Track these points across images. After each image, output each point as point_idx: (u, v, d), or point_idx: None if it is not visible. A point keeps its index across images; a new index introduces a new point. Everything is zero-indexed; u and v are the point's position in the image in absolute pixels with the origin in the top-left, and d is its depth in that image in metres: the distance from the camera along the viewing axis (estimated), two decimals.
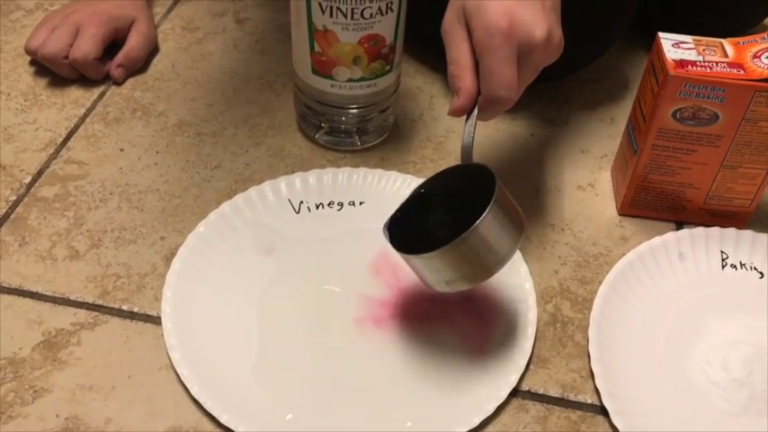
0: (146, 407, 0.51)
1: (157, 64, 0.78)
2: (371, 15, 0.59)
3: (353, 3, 0.57)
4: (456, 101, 0.51)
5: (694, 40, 0.58)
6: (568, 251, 0.62)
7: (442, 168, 0.53)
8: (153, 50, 0.78)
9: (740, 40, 0.58)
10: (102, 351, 0.54)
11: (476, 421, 0.50)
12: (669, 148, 0.59)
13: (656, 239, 0.61)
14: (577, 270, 0.61)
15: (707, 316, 0.57)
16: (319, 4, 0.58)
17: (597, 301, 0.56)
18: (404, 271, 0.57)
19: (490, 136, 0.72)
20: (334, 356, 0.54)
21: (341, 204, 0.63)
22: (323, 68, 0.62)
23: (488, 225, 0.47)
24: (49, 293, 0.57)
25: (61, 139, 0.69)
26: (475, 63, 0.50)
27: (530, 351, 0.54)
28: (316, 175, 0.65)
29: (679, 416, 0.52)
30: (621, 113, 0.75)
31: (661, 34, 0.58)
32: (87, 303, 0.56)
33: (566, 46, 0.52)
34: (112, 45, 0.75)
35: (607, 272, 0.59)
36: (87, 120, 0.71)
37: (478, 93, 0.51)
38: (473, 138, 0.51)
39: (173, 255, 0.58)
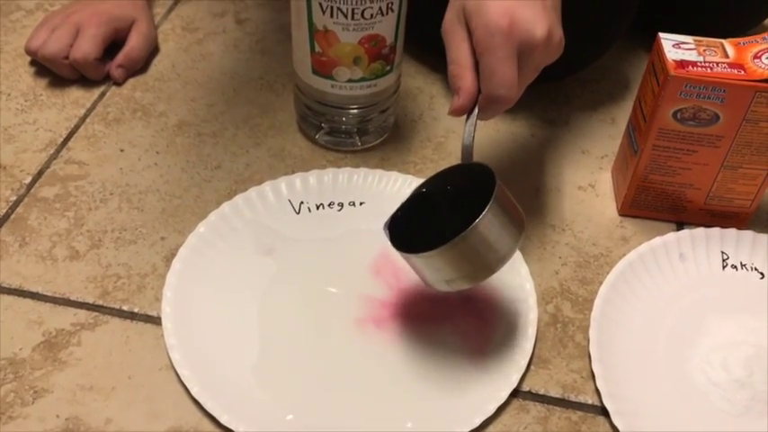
0: (146, 407, 0.51)
1: (158, 64, 0.77)
2: (372, 16, 0.59)
3: (354, 3, 0.57)
4: (456, 100, 0.51)
5: (695, 40, 0.58)
6: (569, 251, 0.62)
7: (442, 168, 0.53)
8: (153, 51, 0.78)
9: (741, 40, 0.58)
10: (102, 351, 0.54)
11: (476, 422, 0.50)
12: (670, 148, 0.59)
13: (657, 240, 0.61)
14: (578, 270, 0.61)
15: (707, 316, 0.57)
16: (320, 4, 0.58)
17: (598, 302, 0.56)
18: (404, 271, 0.57)
19: (490, 136, 0.72)
20: (335, 357, 0.54)
21: (341, 205, 0.63)
22: (323, 69, 0.62)
23: (488, 223, 0.47)
24: (49, 294, 0.57)
25: (61, 140, 0.69)
26: (475, 63, 0.50)
27: (530, 351, 0.54)
28: (316, 175, 0.65)
29: (679, 416, 0.51)
30: (622, 114, 0.75)
31: (661, 35, 0.58)
32: (87, 304, 0.56)
33: (566, 46, 0.52)
34: (113, 45, 0.75)
35: (607, 272, 0.59)
36: (87, 120, 0.71)
37: (479, 92, 0.51)
38: (473, 137, 0.51)
39: (173, 255, 0.58)
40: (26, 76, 0.75)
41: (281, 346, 0.54)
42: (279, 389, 0.52)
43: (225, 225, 0.61)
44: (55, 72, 0.74)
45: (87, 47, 0.72)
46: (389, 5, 0.59)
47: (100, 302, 0.56)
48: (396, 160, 0.68)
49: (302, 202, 0.63)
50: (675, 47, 0.57)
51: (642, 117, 0.60)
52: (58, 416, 0.50)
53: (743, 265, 0.61)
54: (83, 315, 0.56)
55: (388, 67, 0.63)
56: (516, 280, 0.58)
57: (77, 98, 0.73)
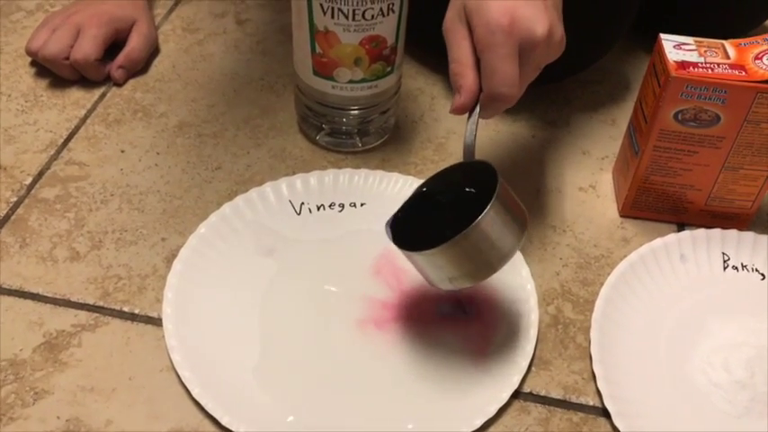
0: (147, 408, 0.51)
1: (158, 65, 0.77)
2: (373, 17, 0.58)
3: (355, 4, 0.57)
4: (458, 99, 0.51)
5: (696, 41, 0.58)
6: (570, 253, 0.62)
7: (443, 167, 0.53)
8: (154, 51, 0.78)
9: (742, 41, 0.58)
10: (102, 353, 0.54)
11: (477, 423, 0.50)
12: (670, 149, 0.59)
13: (658, 241, 0.61)
14: (579, 272, 0.61)
15: (708, 318, 0.57)
16: (321, 5, 0.58)
17: (599, 303, 0.56)
18: (405, 272, 0.57)
19: (491, 137, 0.72)
20: (336, 358, 0.53)
21: (342, 206, 0.63)
22: (324, 70, 0.62)
23: (490, 221, 0.46)
24: (49, 295, 0.57)
25: (62, 141, 0.69)
26: (476, 61, 0.50)
27: (531, 353, 0.54)
28: (317, 176, 0.65)
29: (681, 417, 0.51)
30: (622, 115, 0.75)
31: (662, 36, 0.58)
32: (88, 305, 0.56)
33: (566, 47, 0.52)
34: (113, 46, 0.75)
35: (608, 273, 0.58)
36: (88, 121, 0.71)
37: (480, 91, 0.51)
38: (475, 136, 0.51)
39: (174, 256, 0.58)
40: (27, 76, 0.75)
41: (282, 347, 0.54)
42: (280, 390, 0.52)
43: (226, 226, 0.61)
44: (55, 73, 0.74)
45: (88, 48, 0.72)
46: (390, 6, 0.59)
47: (100, 303, 0.56)
48: (396, 161, 0.68)
49: (303, 203, 0.63)
50: (676, 48, 0.57)
51: (643, 118, 0.60)
52: (58, 417, 0.50)
53: (744, 267, 0.61)
54: (83, 316, 0.56)
55: (389, 68, 0.63)
56: (517, 281, 0.58)
57: (78, 99, 0.73)
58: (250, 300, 0.56)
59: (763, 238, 0.62)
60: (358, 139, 0.68)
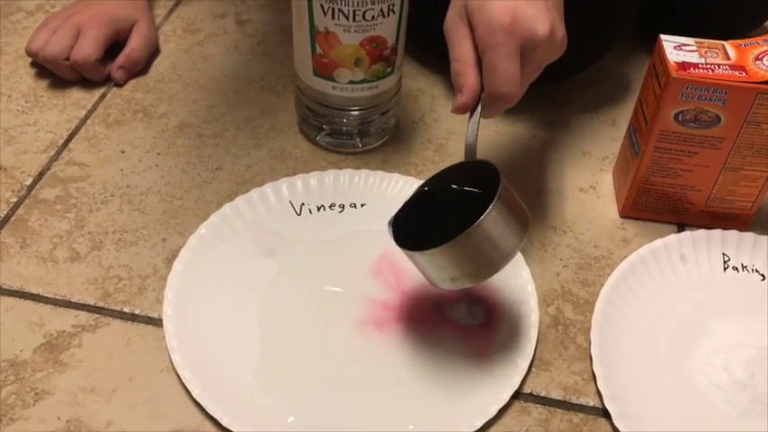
0: (147, 409, 0.51)
1: (158, 65, 0.77)
2: (373, 17, 0.59)
3: (355, 4, 0.57)
4: (459, 98, 0.51)
5: (696, 42, 0.58)
6: (570, 253, 0.62)
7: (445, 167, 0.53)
8: (154, 52, 0.78)
9: (742, 42, 0.58)
10: (103, 353, 0.54)
11: (478, 424, 0.50)
12: (671, 150, 0.59)
13: (658, 242, 0.61)
14: (579, 272, 0.61)
15: (709, 318, 0.57)
16: (321, 5, 0.58)
17: (599, 304, 0.56)
18: (405, 273, 0.57)
19: (492, 138, 0.72)
20: (336, 359, 0.53)
21: (342, 206, 0.63)
22: (324, 70, 0.62)
23: (492, 221, 0.46)
24: (50, 295, 0.57)
25: (62, 141, 0.69)
26: (478, 60, 0.50)
27: (532, 354, 0.54)
28: (317, 176, 0.65)
29: (681, 418, 0.51)
30: (623, 115, 0.75)
31: (663, 36, 0.58)
32: (88, 305, 0.56)
33: (567, 47, 0.52)
34: (113, 47, 0.75)
35: (609, 274, 0.58)
36: (88, 121, 0.71)
37: (482, 90, 0.51)
38: (477, 135, 0.51)
39: (174, 256, 0.58)
40: (27, 77, 0.75)
41: (283, 348, 0.54)
42: (280, 391, 0.52)
43: (226, 226, 0.61)
44: (56, 73, 0.74)
45: (88, 48, 0.72)
46: (391, 7, 0.59)
47: (101, 304, 0.56)
48: (397, 162, 0.68)
49: (303, 204, 0.63)
50: (677, 49, 0.57)
51: (643, 119, 0.60)
52: (59, 418, 0.50)
53: (744, 267, 0.61)
54: (84, 317, 0.56)
55: (390, 69, 0.63)
56: (517, 282, 0.58)
57: (78, 99, 0.73)
58: (250, 300, 0.56)
59: (763, 238, 0.62)
60: (358, 139, 0.68)
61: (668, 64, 0.56)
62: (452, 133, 0.72)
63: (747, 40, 0.58)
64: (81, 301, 0.56)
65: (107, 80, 0.75)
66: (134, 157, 0.68)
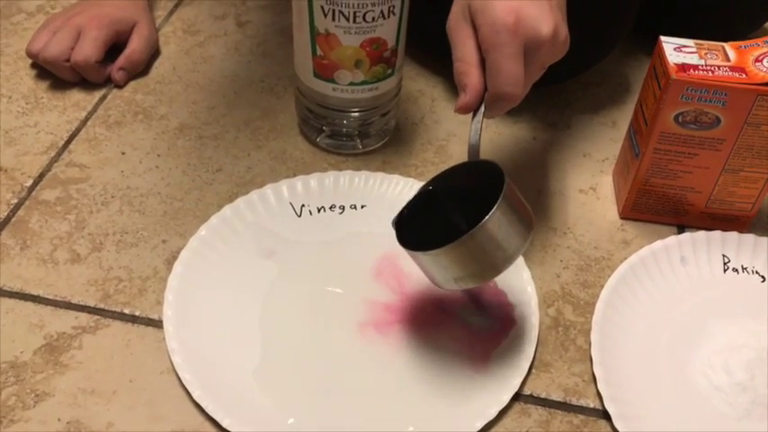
0: (147, 411, 0.51)
1: (159, 67, 0.78)
2: (374, 19, 0.59)
3: (356, 6, 0.57)
4: (462, 97, 0.51)
5: (696, 43, 0.58)
6: (570, 255, 0.62)
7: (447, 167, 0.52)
8: (154, 53, 0.78)
9: (742, 43, 0.58)
10: (103, 355, 0.54)
11: (478, 425, 0.50)
12: (671, 151, 0.59)
13: (658, 243, 0.61)
14: (579, 274, 0.61)
15: (709, 320, 0.57)
16: (321, 7, 0.58)
17: (599, 305, 0.56)
18: (406, 275, 0.57)
19: (492, 139, 0.72)
20: (337, 360, 0.53)
21: (342, 208, 0.63)
22: (324, 72, 0.62)
23: (497, 222, 0.46)
24: (50, 297, 0.57)
25: (62, 143, 0.69)
26: (481, 60, 0.50)
27: (532, 355, 0.54)
28: (317, 178, 0.65)
29: (681, 420, 0.51)
30: (623, 117, 0.75)
31: (663, 38, 0.58)
32: (89, 307, 0.56)
33: (569, 48, 0.52)
34: (114, 48, 0.75)
35: (609, 276, 0.59)
36: (89, 123, 0.71)
37: (485, 90, 0.51)
38: (480, 135, 0.51)
39: (174, 258, 0.58)
40: (27, 78, 0.75)
41: (283, 350, 0.54)
42: (280, 392, 0.52)
43: (226, 228, 0.61)
44: (56, 75, 0.74)
45: (88, 49, 0.72)
46: (391, 9, 0.59)
47: (101, 306, 0.56)
48: (397, 163, 0.68)
49: (303, 205, 0.63)
50: (677, 50, 0.57)
51: (643, 120, 0.60)
52: (59, 419, 0.50)
53: (744, 269, 0.61)
54: (84, 318, 0.56)
55: (390, 71, 0.63)
56: (518, 283, 0.58)
57: (78, 101, 0.73)
58: (251, 302, 0.56)
59: (763, 240, 0.62)
60: (358, 141, 0.68)
61: (668, 65, 0.56)
62: (453, 135, 0.72)
63: (747, 42, 0.58)
64: (81, 303, 0.56)
65: (107, 81, 0.75)
66: (134, 158, 0.68)
